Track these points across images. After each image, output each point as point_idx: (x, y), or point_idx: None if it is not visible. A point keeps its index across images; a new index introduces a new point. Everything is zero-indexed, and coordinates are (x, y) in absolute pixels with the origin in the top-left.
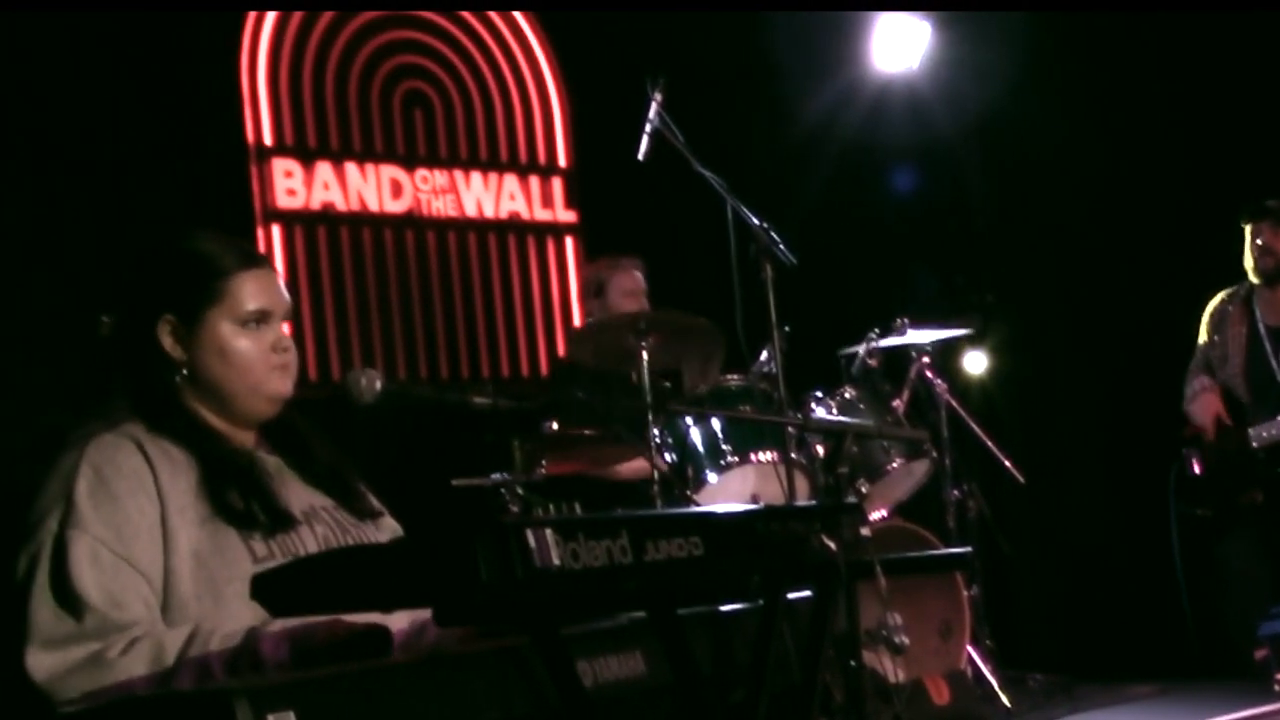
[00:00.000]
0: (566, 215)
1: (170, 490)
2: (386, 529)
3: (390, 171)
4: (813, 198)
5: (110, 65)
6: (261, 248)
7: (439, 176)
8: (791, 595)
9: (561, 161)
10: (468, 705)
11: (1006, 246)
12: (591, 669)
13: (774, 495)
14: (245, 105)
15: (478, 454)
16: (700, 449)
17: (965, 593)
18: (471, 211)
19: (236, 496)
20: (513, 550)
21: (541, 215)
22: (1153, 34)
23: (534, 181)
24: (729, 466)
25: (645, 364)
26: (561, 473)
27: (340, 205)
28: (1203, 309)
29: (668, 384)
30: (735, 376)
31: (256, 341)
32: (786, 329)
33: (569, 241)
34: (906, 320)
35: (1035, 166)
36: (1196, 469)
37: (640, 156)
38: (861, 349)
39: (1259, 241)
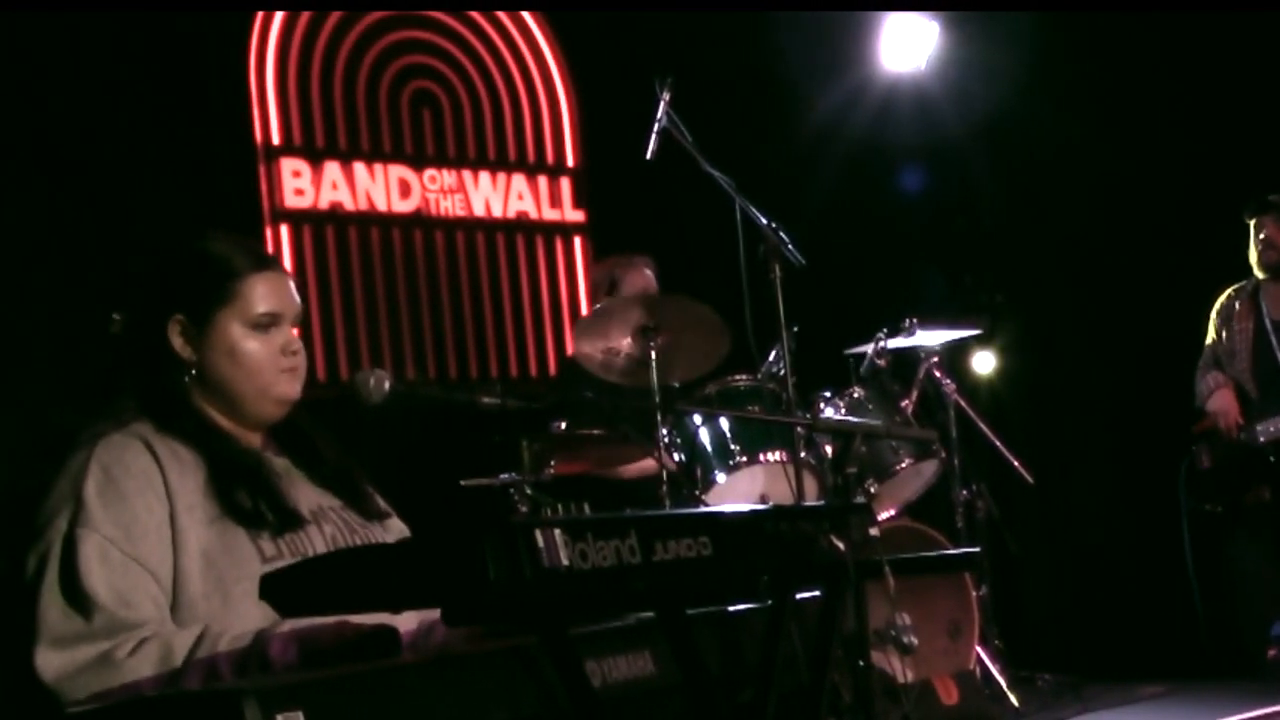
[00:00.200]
0: (575, 215)
1: (179, 490)
2: (394, 530)
3: (398, 171)
4: (821, 197)
5: (119, 65)
6: (270, 247)
7: (447, 176)
8: (800, 595)
9: (570, 161)
10: (476, 705)
11: (1014, 246)
12: (600, 669)
13: (783, 495)
14: (254, 105)
15: (486, 454)
16: (709, 449)
17: (974, 593)
18: (480, 211)
19: (245, 496)
20: (521, 550)
21: (550, 215)
22: (1159, 34)
23: (542, 181)
24: (738, 467)
25: (653, 362)
26: (570, 473)
27: (348, 205)
28: (1211, 307)
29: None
30: (744, 376)
31: (266, 344)
32: (795, 329)
33: (577, 241)
34: (915, 320)
35: (1043, 166)
36: (1206, 464)
37: (648, 156)
38: (870, 349)
39: (1262, 236)
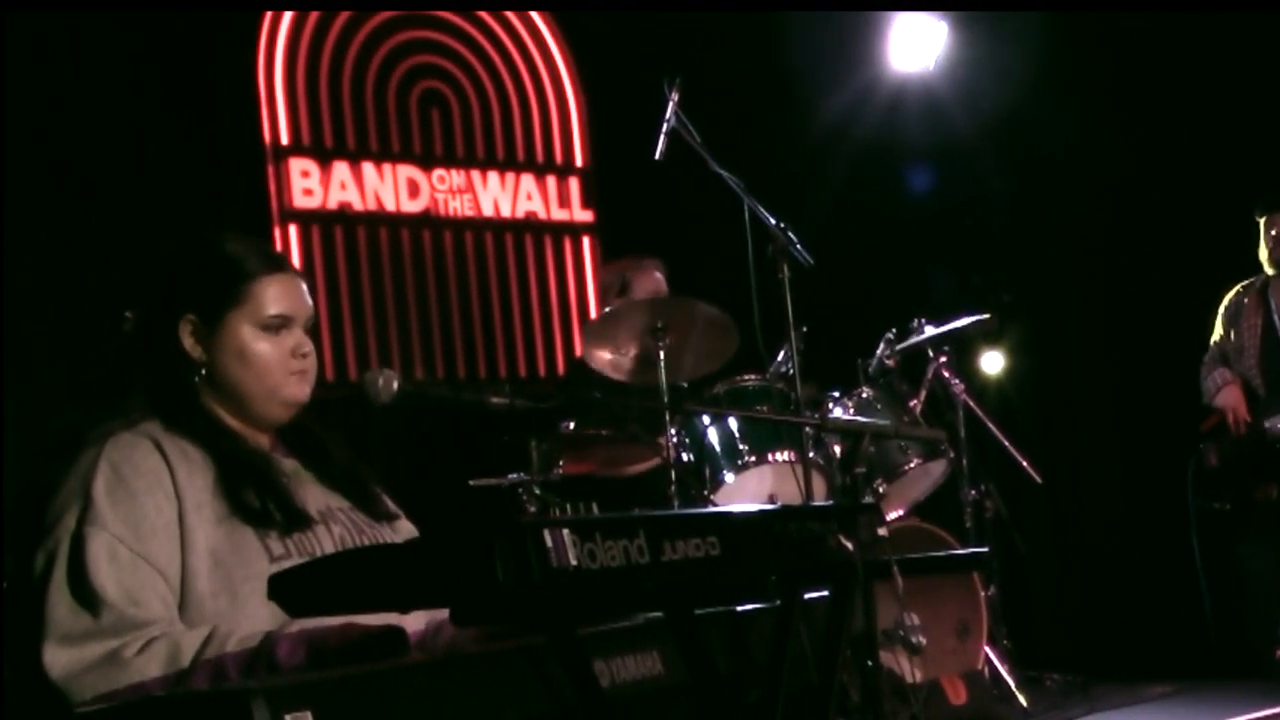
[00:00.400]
0: (583, 215)
1: (187, 489)
2: (403, 531)
3: (407, 171)
4: (830, 197)
5: (128, 65)
6: (278, 247)
7: (456, 176)
8: (808, 595)
9: (578, 161)
10: (484, 705)
11: (1023, 246)
12: (608, 669)
13: (791, 495)
14: (262, 105)
15: (495, 454)
16: (717, 449)
17: (982, 593)
18: (488, 211)
19: (253, 495)
20: (530, 550)
21: (558, 215)
22: (1168, 32)
23: (551, 181)
24: (746, 466)
25: (662, 361)
26: (578, 473)
27: (357, 205)
28: (1219, 305)
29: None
30: (752, 376)
31: (276, 346)
32: (804, 329)
33: (586, 241)
34: (923, 320)
35: (1052, 166)
36: (1214, 462)
37: (657, 156)
38: (879, 349)
39: (1274, 233)
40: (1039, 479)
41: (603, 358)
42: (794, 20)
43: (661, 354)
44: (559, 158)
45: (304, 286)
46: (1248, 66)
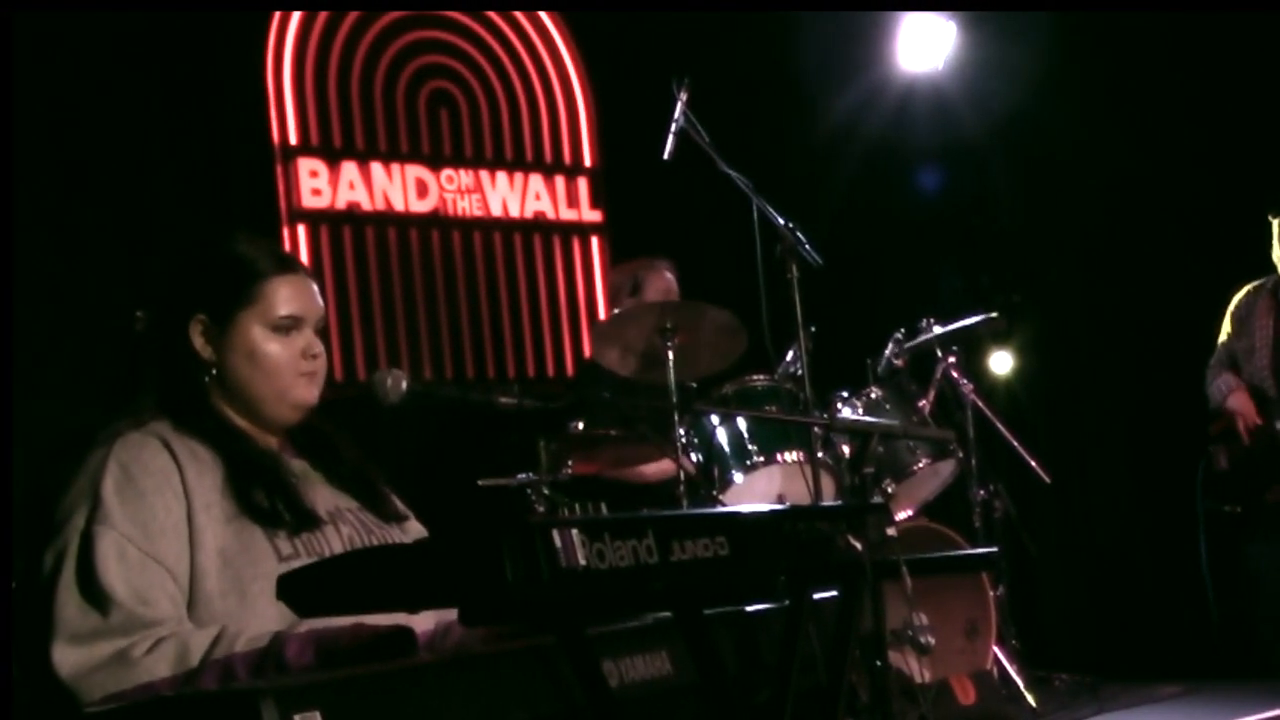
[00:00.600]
0: (592, 215)
1: (196, 488)
2: (412, 532)
3: (416, 171)
4: (838, 197)
5: (136, 65)
6: (287, 247)
7: (464, 176)
8: (817, 595)
9: (587, 161)
10: (493, 705)
11: (1032, 246)
12: (617, 669)
13: (800, 495)
14: (271, 105)
15: (503, 454)
16: (726, 449)
17: (991, 593)
18: (497, 211)
19: (262, 495)
20: (539, 550)
21: (567, 215)
22: (1176, 33)
23: (559, 181)
24: (755, 467)
25: (671, 362)
26: (587, 473)
27: (366, 205)
28: (1228, 307)
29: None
30: (761, 376)
31: (286, 347)
32: (812, 329)
33: (594, 241)
34: (932, 320)
35: (1060, 166)
36: (1224, 464)
37: (665, 156)
38: (888, 350)
39: None
40: (1048, 479)
41: (612, 358)
42: (803, 20)
43: (670, 354)
44: (567, 158)
45: (315, 287)
46: (1257, 66)
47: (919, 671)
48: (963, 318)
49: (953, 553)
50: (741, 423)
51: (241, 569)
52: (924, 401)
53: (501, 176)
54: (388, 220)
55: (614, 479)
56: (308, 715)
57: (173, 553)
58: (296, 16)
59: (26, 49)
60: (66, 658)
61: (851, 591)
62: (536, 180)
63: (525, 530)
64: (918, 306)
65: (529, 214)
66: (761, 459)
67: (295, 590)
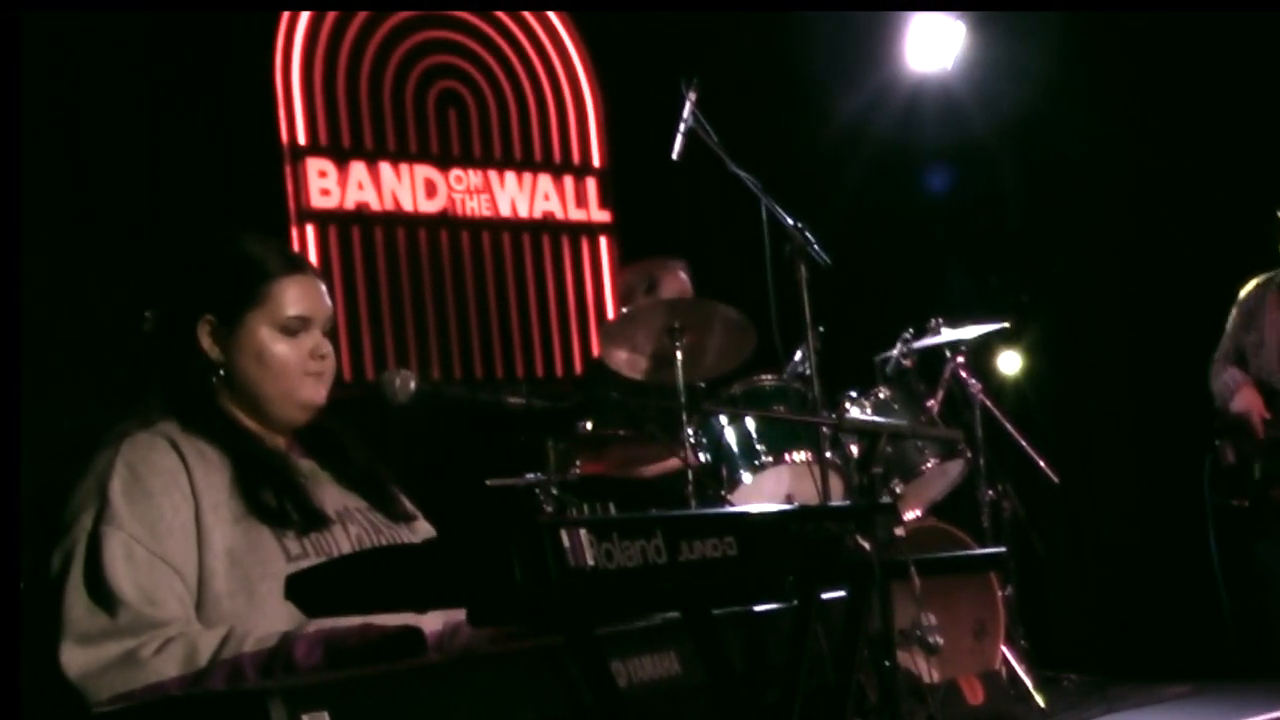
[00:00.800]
0: (601, 215)
1: (204, 488)
2: (420, 532)
3: (424, 171)
4: (847, 198)
5: (145, 65)
6: (296, 247)
7: (473, 176)
8: (826, 595)
9: (596, 161)
10: (502, 705)
11: (1040, 246)
12: (626, 669)
13: (808, 495)
14: (279, 105)
15: (512, 454)
16: (734, 449)
17: (999, 593)
18: (506, 211)
19: (270, 495)
20: (547, 550)
21: (576, 215)
22: (1185, 32)
23: (568, 181)
24: (763, 467)
25: (680, 361)
26: (595, 473)
27: (374, 205)
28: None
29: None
30: (769, 376)
31: (294, 348)
32: (821, 329)
33: (603, 241)
34: (941, 320)
35: (1069, 165)
36: (1231, 459)
37: (675, 156)
38: (896, 350)
39: None
40: (1056, 479)
41: (620, 358)
42: (811, 20)
43: (679, 354)
44: (576, 158)
45: (323, 288)
46: (1265, 65)
47: (927, 671)
48: (971, 317)
49: (961, 553)
50: (750, 423)
51: (250, 569)
52: (932, 401)
53: (510, 177)
54: (396, 220)
55: (622, 478)
56: (316, 715)
57: (180, 553)
58: (305, 16)
59: (34, 49)
60: (74, 658)
61: (860, 591)
62: (545, 180)
63: (533, 530)
64: (926, 306)
65: (538, 214)
66: (770, 459)
67: (304, 590)
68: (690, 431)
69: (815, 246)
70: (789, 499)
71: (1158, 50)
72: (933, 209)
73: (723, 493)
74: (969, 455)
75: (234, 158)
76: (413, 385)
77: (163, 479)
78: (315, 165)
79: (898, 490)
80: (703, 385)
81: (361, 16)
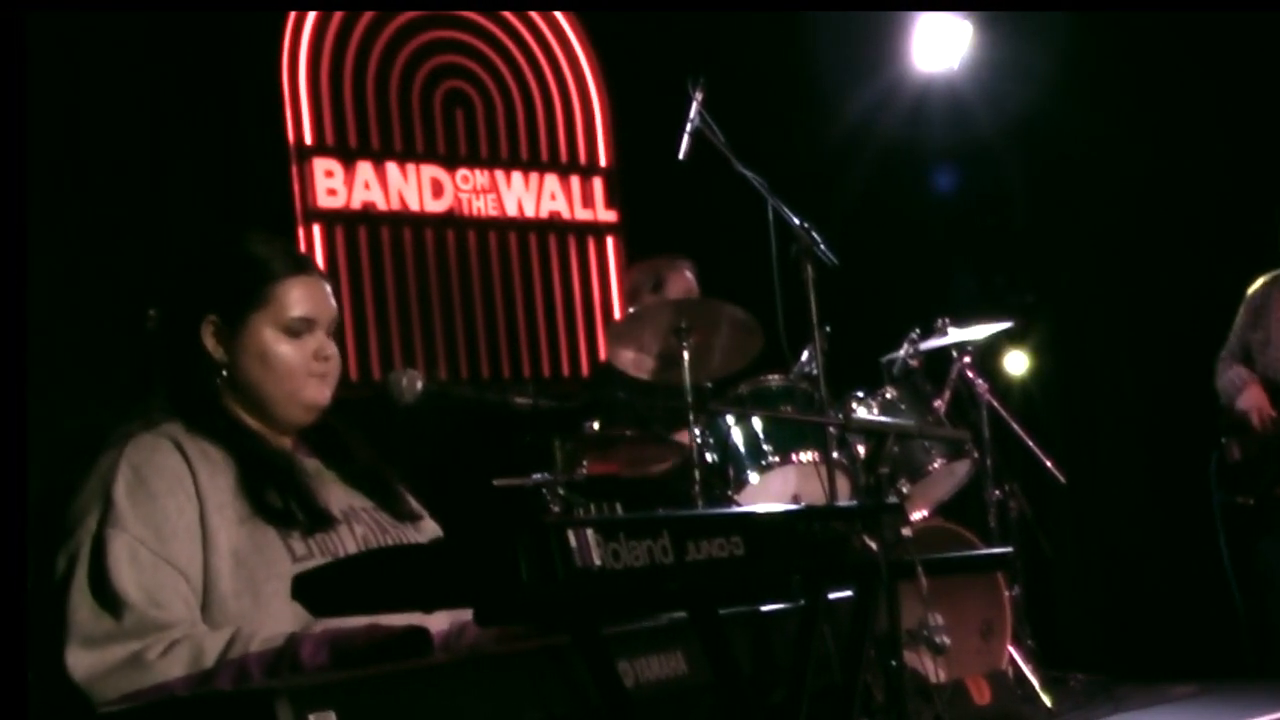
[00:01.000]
0: (607, 215)
1: (209, 489)
2: (426, 531)
3: (431, 171)
4: (853, 197)
5: (152, 65)
6: (302, 247)
7: (480, 176)
8: (832, 595)
9: (602, 161)
10: (508, 705)
11: (1047, 246)
12: (632, 669)
13: (815, 495)
14: (286, 105)
15: (519, 454)
16: (741, 449)
17: (1006, 593)
18: (512, 211)
19: (275, 495)
20: (554, 550)
21: (582, 215)
22: (1191, 33)
23: (575, 181)
24: (770, 466)
25: (686, 361)
26: (602, 473)
27: (381, 205)
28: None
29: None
30: (776, 376)
31: (298, 349)
32: (827, 329)
33: (610, 241)
34: (947, 320)
35: (1075, 166)
36: (1237, 456)
37: (681, 156)
38: (903, 350)
39: None
40: (1063, 479)
41: (626, 358)
42: (818, 20)
43: (685, 354)
44: (583, 158)
45: (328, 288)
46: (1270, 65)
47: (934, 671)
48: (978, 318)
49: (968, 553)
50: (757, 423)
51: (255, 570)
52: (939, 401)
53: (517, 176)
54: (403, 220)
55: (629, 478)
56: (323, 715)
57: (185, 555)
58: (312, 16)
59: (40, 48)
60: (80, 661)
61: (866, 591)
62: (552, 180)
63: (540, 530)
64: (932, 306)
65: (544, 214)
66: (777, 459)
67: (310, 590)
68: (697, 431)
69: (821, 246)
70: (796, 499)
71: (1163, 50)
72: (939, 209)
73: (729, 493)
74: (976, 455)
75: (240, 157)
76: (419, 385)
77: (167, 480)
78: (322, 165)
79: (904, 490)
80: (709, 385)
81: (368, 16)
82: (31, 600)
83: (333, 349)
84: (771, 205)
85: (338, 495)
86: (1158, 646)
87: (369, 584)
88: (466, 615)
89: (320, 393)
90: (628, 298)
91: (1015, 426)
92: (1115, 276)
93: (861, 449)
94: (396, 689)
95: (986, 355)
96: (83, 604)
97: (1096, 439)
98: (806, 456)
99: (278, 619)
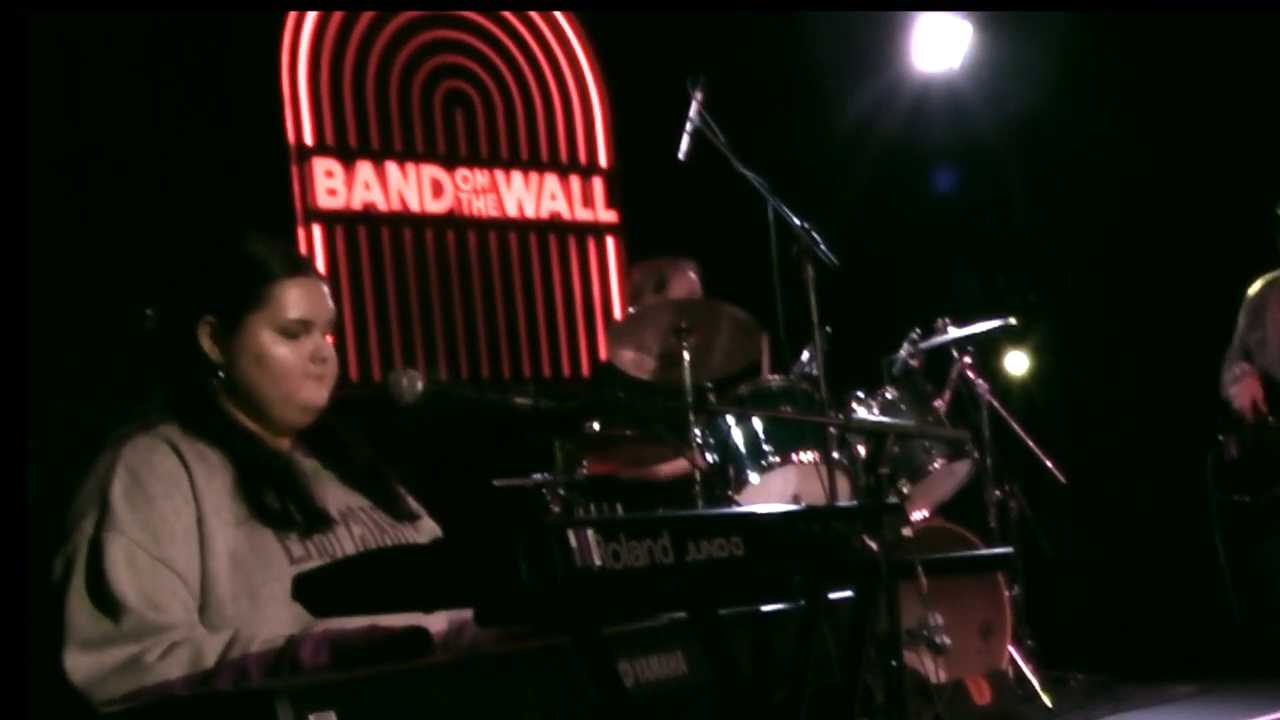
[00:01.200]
0: (607, 215)
1: (206, 491)
2: (425, 530)
3: (431, 171)
4: (854, 197)
5: (151, 66)
6: (302, 248)
7: (480, 176)
8: (833, 595)
9: (602, 161)
10: (509, 705)
11: (1047, 246)
12: (632, 669)
13: (815, 495)
14: (286, 105)
15: (519, 454)
16: (741, 449)
17: (1006, 593)
18: (512, 211)
19: (273, 497)
20: (554, 550)
21: (582, 215)
22: (1191, 33)
23: (575, 181)
24: (770, 467)
25: (686, 361)
26: (602, 473)
27: (381, 205)
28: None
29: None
30: (776, 377)
31: (295, 350)
32: (828, 329)
33: (610, 241)
34: (948, 320)
35: (1076, 165)
36: (1234, 454)
37: (681, 156)
38: (903, 350)
39: None
40: (1063, 479)
41: (627, 358)
42: (818, 20)
43: (686, 354)
44: (583, 158)
45: (325, 290)
46: (1270, 65)
47: (934, 671)
48: (978, 318)
49: (968, 553)
50: (757, 423)
51: (253, 572)
52: (939, 401)
53: (517, 176)
54: (403, 220)
55: (629, 479)
56: (323, 715)
57: (183, 557)
58: (312, 16)
59: (40, 48)
60: (79, 664)
61: (867, 591)
62: (552, 180)
63: (540, 530)
64: (933, 306)
65: (544, 214)
66: (777, 459)
67: (311, 590)
68: (698, 432)
69: (822, 247)
70: (796, 499)
71: (1164, 50)
72: (939, 209)
73: (730, 493)
74: (976, 455)
75: (240, 158)
76: (420, 385)
77: (164, 483)
78: (322, 165)
79: (905, 490)
80: (710, 385)
81: (368, 16)
82: (30, 603)
83: (329, 350)
84: (772, 205)
85: (336, 495)
86: (1158, 646)
87: (369, 584)
88: (465, 615)
89: (317, 394)
90: (630, 298)
91: (1015, 426)
92: (1115, 276)
93: (861, 449)
94: (396, 689)
95: (987, 355)
96: (80, 607)
97: (1096, 439)
98: (807, 457)
99: (276, 621)
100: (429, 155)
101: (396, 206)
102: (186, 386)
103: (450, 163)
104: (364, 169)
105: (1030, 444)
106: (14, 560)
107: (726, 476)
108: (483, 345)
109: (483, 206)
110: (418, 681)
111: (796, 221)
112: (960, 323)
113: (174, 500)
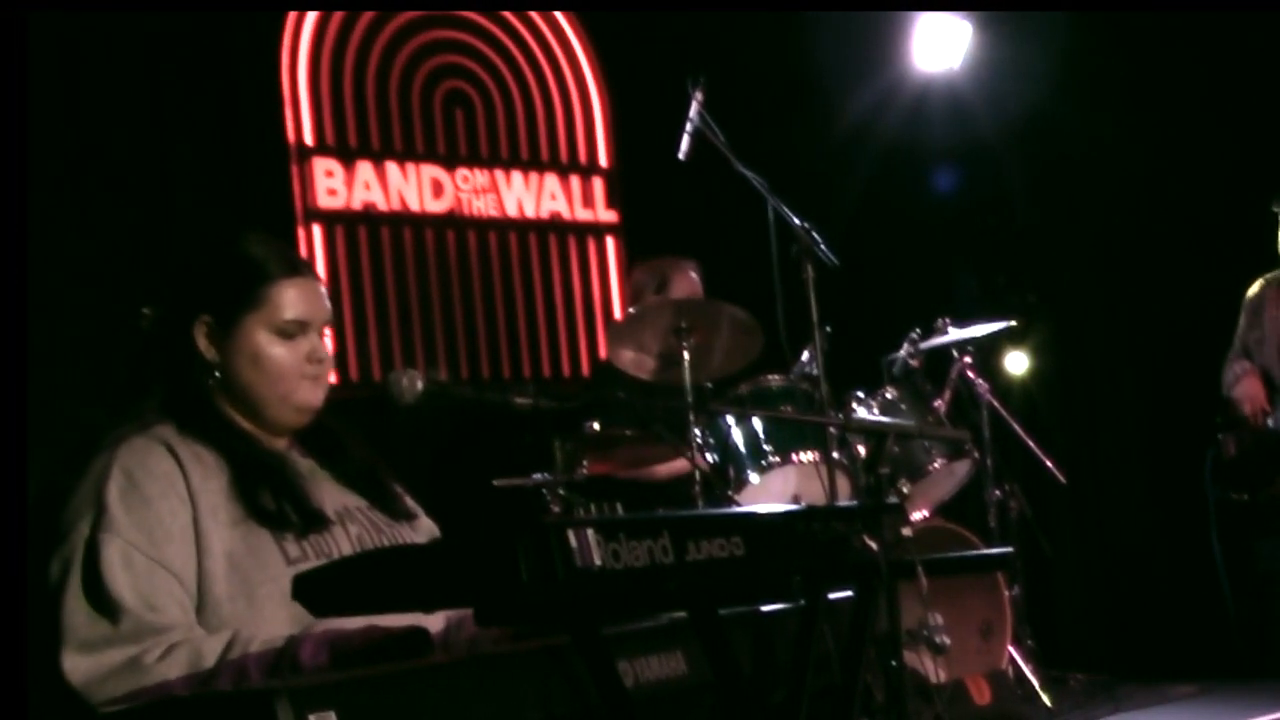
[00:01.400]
0: (607, 215)
1: (202, 492)
2: (423, 529)
3: (431, 171)
4: (854, 197)
5: (152, 66)
6: (302, 248)
7: (480, 176)
8: (833, 595)
9: (602, 161)
10: (509, 705)
11: (1047, 246)
12: (632, 669)
13: (815, 495)
14: (286, 105)
15: (519, 454)
16: (742, 449)
17: (1006, 593)
18: (512, 211)
19: (269, 497)
20: (554, 550)
21: (582, 215)
22: (1191, 32)
23: (575, 181)
24: (770, 467)
25: (686, 361)
26: (602, 473)
27: (381, 205)
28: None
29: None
30: (777, 377)
31: (291, 351)
32: (828, 329)
33: (610, 241)
34: (948, 320)
35: (1076, 165)
36: (1232, 452)
37: (681, 156)
38: (903, 350)
39: None
40: (1063, 479)
41: (627, 358)
42: (818, 20)
43: (686, 354)
44: (583, 158)
45: (322, 290)
46: (1270, 65)
47: (934, 671)
48: (978, 317)
49: (968, 553)
50: (757, 423)
51: (249, 573)
52: (939, 401)
53: (517, 176)
54: (403, 220)
55: (629, 479)
56: (323, 715)
57: (180, 558)
58: (312, 16)
59: (41, 48)
60: (77, 666)
61: (866, 591)
62: (552, 180)
63: (540, 530)
64: (933, 306)
65: (544, 214)
66: (777, 459)
67: (310, 590)
68: (698, 432)
69: (822, 246)
70: (796, 499)
71: (1164, 50)
72: (940, 209)
73: (730, 493)
74: (976, 455)
75: (240, 158)
76: (419, 385)
77: (159, 484)
78: (322, 165)
79: (905, 490)
80: (710, 385)
81: (368, 16)
82: (26, 605)
83: (325, 351)
84: (772, 205)
85: (332, 495)
86: (1158, 646)
87: (369, 584)
88: (464, 614)
89: (313, 394)
90: (631, 298)
91: (1015, 426)
92: (1115, 276)
93: (861, 449)
94: (396, 689)
95: (987, 355)
96: (78, 609)
97: (1096, 439)
98: (807, 456)
99: (272, 621)
100: (429, 155)
101: (396, 206)
102: (182, 387)
103: (450, 163)
104: (364, 169)
105: (1030, 444)
106: (14, 561)
107: (726, 476)
108: (483, 345)
109: (483, 206)
110: (417, 681)
111: (796, 221)
112: (960, 323)
113: (169, 501)
